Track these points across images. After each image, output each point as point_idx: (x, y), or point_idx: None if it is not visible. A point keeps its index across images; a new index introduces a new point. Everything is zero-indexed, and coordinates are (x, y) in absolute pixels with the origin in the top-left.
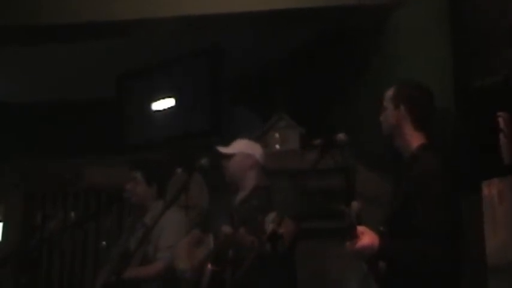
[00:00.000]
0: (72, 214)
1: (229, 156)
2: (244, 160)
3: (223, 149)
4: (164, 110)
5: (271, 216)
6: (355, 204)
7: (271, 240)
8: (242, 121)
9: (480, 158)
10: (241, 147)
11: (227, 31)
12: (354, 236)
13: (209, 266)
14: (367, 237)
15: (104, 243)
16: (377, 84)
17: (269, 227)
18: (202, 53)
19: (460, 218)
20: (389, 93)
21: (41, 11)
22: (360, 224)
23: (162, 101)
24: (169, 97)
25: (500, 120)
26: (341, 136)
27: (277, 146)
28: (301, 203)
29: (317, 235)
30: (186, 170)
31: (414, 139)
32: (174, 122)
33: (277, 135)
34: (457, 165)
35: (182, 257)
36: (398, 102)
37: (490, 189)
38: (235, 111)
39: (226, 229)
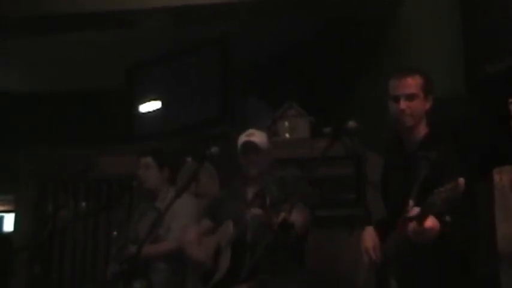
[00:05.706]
0: (84, 204)
1: (260, 151)
2: (270, 155)
3: (257, 141)
4: (174, 99)
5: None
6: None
7: (282, 229)
8: (252, 110)
9: (491, 144)
10: (266, 141)
11: (237, 20)
12: (424, 219)
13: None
14: (430, 221)
15: (115, 233)
16: (387, 72)
17: (280, 215)
18: (212, 42)
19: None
20: (417, 81)
21: (49, 1)
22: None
23: (172, 90)
24: (180, 87)
25: None
26: (351, 124)
27: (287, 135)
28: (311, 191)
29: (327, 223)
30: (196, 159)
31: (422, 127)
32: (184, 111)
33: (287, 123)
34: (469, 152)
35: (192, 246)
36: (428, 90)
37: (501, 177)
38: (245, 101)
39: (257, 211)
